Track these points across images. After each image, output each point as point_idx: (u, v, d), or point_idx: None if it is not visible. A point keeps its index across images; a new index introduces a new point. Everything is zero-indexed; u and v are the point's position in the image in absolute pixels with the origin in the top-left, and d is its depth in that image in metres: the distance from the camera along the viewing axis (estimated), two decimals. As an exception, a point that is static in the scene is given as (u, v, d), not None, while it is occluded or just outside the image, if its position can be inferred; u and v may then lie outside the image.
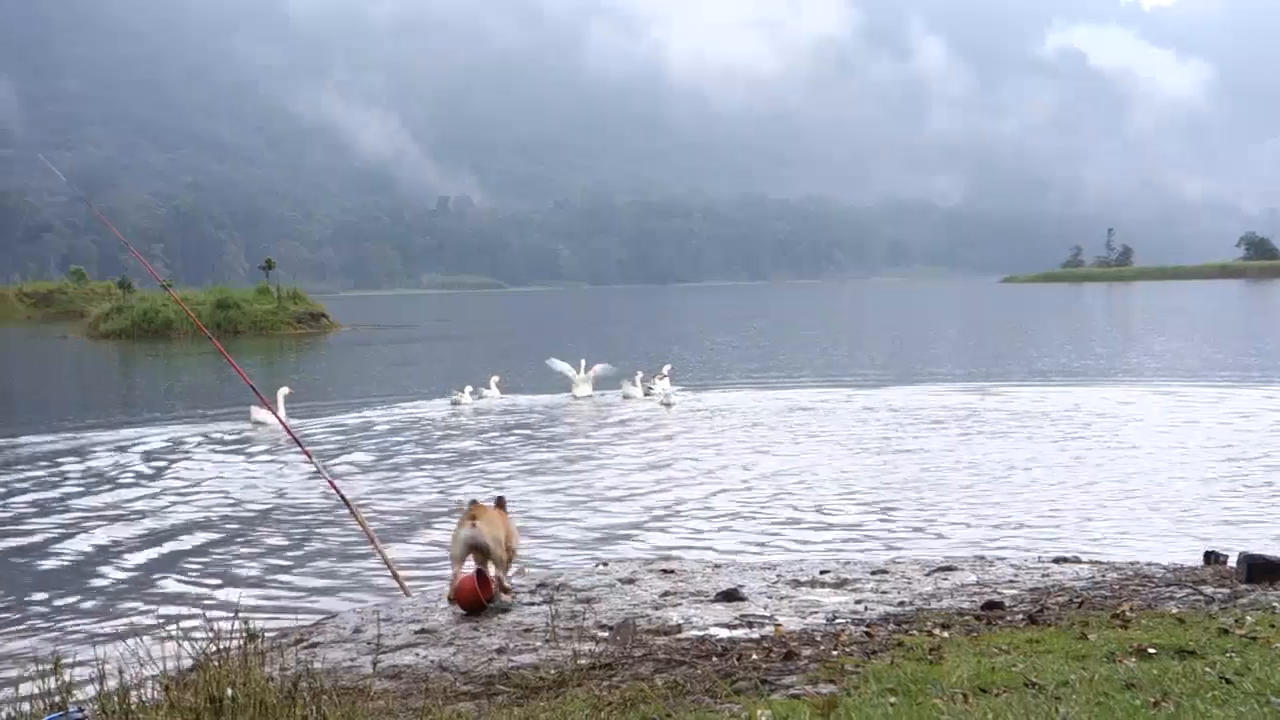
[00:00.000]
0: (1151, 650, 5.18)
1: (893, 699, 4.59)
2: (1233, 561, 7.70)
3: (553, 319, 76.86)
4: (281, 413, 18.84)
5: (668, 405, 21.26)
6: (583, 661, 5.75)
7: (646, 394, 22.31)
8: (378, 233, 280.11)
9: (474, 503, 7.75)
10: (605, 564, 8.88)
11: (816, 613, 6.93)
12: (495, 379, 23.26)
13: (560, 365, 23.54)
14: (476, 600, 7.22)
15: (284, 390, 19.57)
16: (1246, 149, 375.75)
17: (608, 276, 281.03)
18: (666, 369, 23.57)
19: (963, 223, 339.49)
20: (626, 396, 22.58)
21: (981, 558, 8.73)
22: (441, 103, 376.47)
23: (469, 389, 22.27)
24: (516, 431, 18.32)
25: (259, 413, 18.69)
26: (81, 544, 10.62)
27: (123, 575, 9.44)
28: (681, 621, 6.78)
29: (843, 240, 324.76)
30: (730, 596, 7.37)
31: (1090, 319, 58.70)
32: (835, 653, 5.68)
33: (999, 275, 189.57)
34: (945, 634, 6.03)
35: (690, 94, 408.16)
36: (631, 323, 66.33)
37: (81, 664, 5.73)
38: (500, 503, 7.95)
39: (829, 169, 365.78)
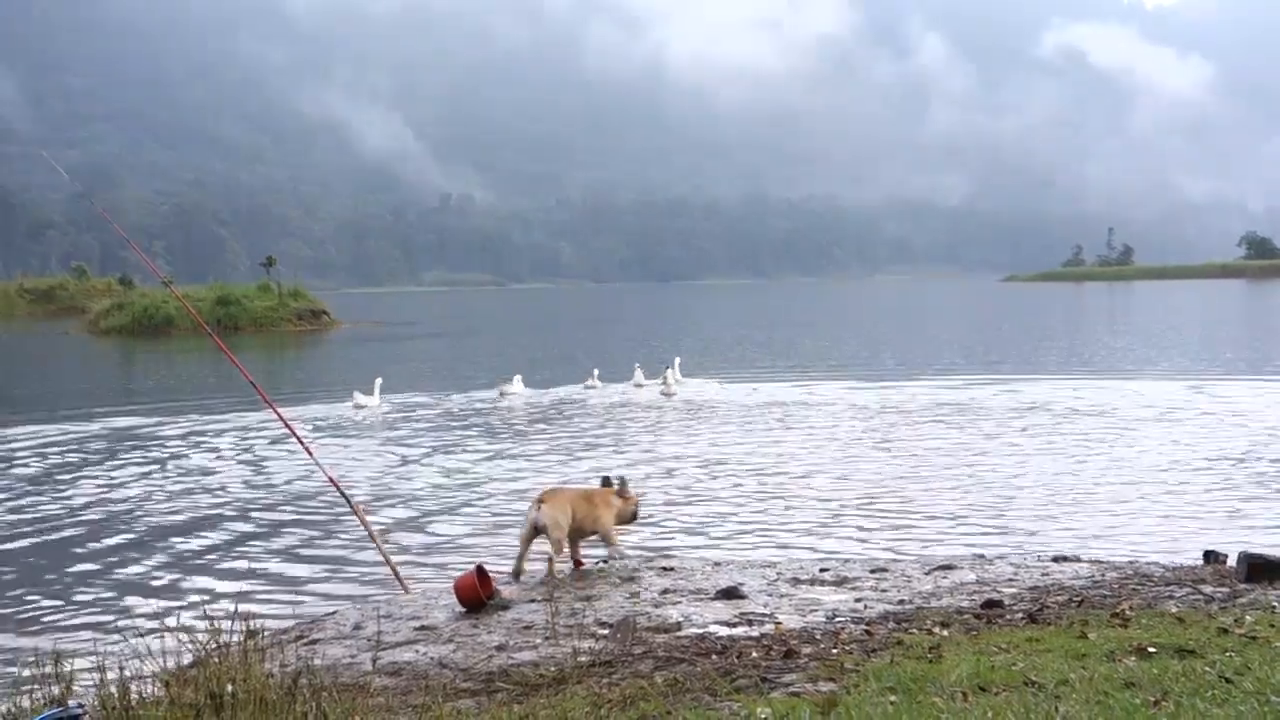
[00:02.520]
0: (1151, 649, 5.19)
1: (892, 697, 4.59)
2: (1232, 561, 7.71)
3: (556, 317, 76.78)
4: (377, 398, 20.97)
5: (668, 395, 21.61)
6: (583, 659, 5.76)
7: (663, 386, 22.44)
8: (380, 230, 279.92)
9: (604, 488, 8.54)
10: (605, 561, 8.89)
11: (816, 611, 6.94)
12: (519, 376, 23.50)
13: (642, 378, 23.67)
14: (476, 597, 7.23)
15: (379, 380, 21.58)
16: (1250, 148, 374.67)
17: (610, 275, 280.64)
18: (676, 361, 24.00)
19: (965, 221, 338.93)
20: (638, 385, 23.20)
21: (981, 556, 8.73)
22: (444, 101, 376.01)
23: (516, 380, 22.79)
24: (529, 426, 18.31)
25: (360, 396, 20.77)
26: (81, 538, 10.62)
27: (122, 570, 9.44)
28: (681, 619, 6.79)
29: (845, 239, 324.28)
30: (730, 594, 7.38)
31: (1089, 317, 58.61)
32: (835, 651, 5.69)
33: (1002, 274, 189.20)
34: (945, 632, 6.04)
35: (692, 92, 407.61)
36: (635, 320, 66.26)
37: (81, 659, 5.75)
38: (605, 483, 8.62)
39: (831, 168, 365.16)
